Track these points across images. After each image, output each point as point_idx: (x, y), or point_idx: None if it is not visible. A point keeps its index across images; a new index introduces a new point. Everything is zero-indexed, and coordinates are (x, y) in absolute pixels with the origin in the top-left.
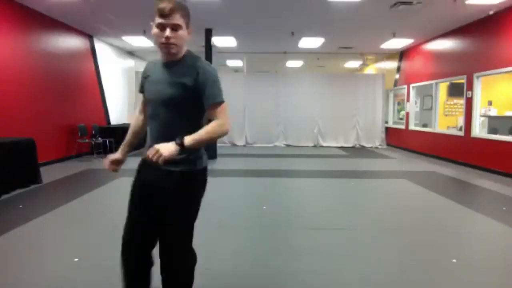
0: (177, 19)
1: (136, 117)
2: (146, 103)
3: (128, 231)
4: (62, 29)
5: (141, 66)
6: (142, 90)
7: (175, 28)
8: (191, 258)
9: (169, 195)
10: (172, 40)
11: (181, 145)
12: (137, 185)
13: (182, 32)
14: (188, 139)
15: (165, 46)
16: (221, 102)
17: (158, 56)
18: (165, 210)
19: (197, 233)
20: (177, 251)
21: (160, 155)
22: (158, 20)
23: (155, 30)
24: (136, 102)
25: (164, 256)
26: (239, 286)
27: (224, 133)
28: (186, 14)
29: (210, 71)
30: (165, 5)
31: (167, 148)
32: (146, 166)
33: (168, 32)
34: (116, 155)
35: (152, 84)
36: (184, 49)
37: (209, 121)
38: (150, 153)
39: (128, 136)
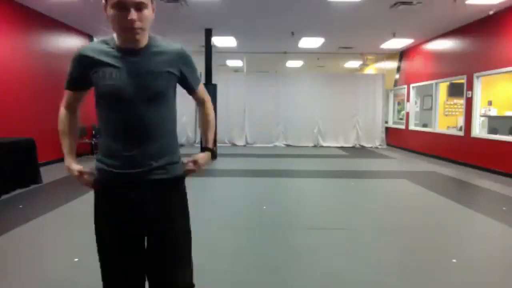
0: None
1: (66, 116)
2: (77, 100)
3: (120, 275)
4: (62, 29)
5: None
6: (80, 83)
7: (139, 7)
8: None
9: (170, 207)
10: (137, 24)
11: (213, 152)
12: (118, 209)
13: (148, 12)
14: (211, 143)
15: (130, 31)
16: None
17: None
18: (165, 226)
19: (198, 233)
20: (180, 271)
21: (197, 163)
22: None
23: (112, 11)
24: (65, 100)
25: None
26: (239, 286)
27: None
28: None
29: (188, 54)
30: None
31: (207, 161)
32: (117, 181)
33: (133, 14)
34: (79, 167)
35: (120, 77)
36: (146, 34)
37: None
38: (191, 167)
39: (68, 141)
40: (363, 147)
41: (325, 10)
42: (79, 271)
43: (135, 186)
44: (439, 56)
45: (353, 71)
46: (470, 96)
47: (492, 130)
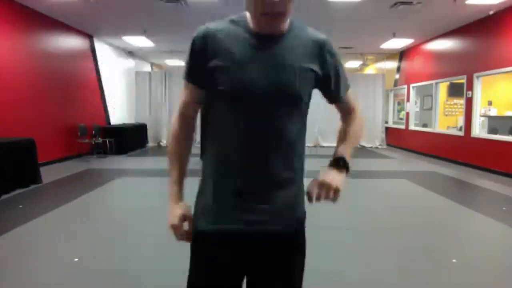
0: None
1: (183, 128)
2: (196, 102)
3: None
4: (62, 29)
5: (141, 66)
6: (196, 78)
7: None
8: None
9: (291, 264)
10: (279, 7)
11: (348, 169)
12: (229, 264)
13: None
14: (348, 157)
15: (271, 16)
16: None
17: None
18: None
19: None
20: None
21: (337, 192)
22: None
23: None
24: (181, 100)
25: None
26: None
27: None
28: None
29: (335, 49)
30: None
31: (340, 181)
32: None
33: None
34: (181, 214)
35: (250, 71)
36: (288, 18)
37: (344, 113)
38: (320, 192)
39: (177, 170)
40: (363, 147)
41: (325, 10)
42: (79, 271)
43: (255, 244)
44: (439, 56)
45: (353, 71)
46: (470, 96)
47: (492, 130)
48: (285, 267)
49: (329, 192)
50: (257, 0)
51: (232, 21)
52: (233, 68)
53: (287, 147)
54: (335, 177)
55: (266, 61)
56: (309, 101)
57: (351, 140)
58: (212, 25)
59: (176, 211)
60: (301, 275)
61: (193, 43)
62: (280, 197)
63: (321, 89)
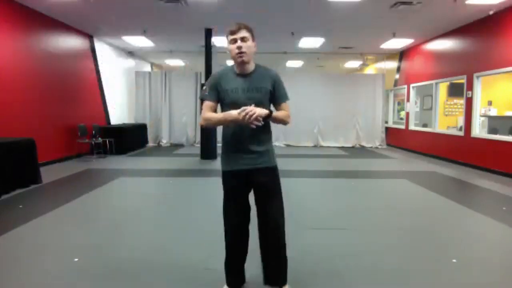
0: (244, 33)
1: (210, 112)
2: (214, 109)
3: (236, 218)
4: (62, 29)
5: (141, 66)
6: (214, 98)
7: (243, 39)
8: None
9: (271, 182)
10: (243, 49)
11: (270, 112)
12: (239, 186)
13: (250, 43)
14: (274, 113)
15: (239, 54)
16: (288, 100)
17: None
18: (269, 193)
19: (198, 233)
20: (280, 218)
21: (254, 113)
22: (230, 37)
23: (229, 46)
24: (205, 108)
25: (270, 224)
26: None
27: (287, 123)
28: (250, 30)
29: (279, 77)
30: (234, 25)
31: (260, 110)
32: (244, 175)
33: (238, 42)
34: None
35: (237, 92)
36: (253, 64)
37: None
38: (247, 108)
39: (218, 115)
40: (363, 147)
41: (325, 10)
42: (79, 271)
43: (253, 171)
44: (439, 56)
45: (353, 71)
46: (470, 96)
47: (492, 130)
48: (270, 184)
49: (252, 110)
50: (232, 50)
51: (227, 68)
52: (229, 91)
53: (258, 129)
54: (257, 108)
55: (243, 86)
56: (270, 105)
57: (281, 115)
58: (220, 71)
59: (235, 113)
60: (280, 188)
61: (213, 79)
62: (258, 150)
63: (271, 98)
